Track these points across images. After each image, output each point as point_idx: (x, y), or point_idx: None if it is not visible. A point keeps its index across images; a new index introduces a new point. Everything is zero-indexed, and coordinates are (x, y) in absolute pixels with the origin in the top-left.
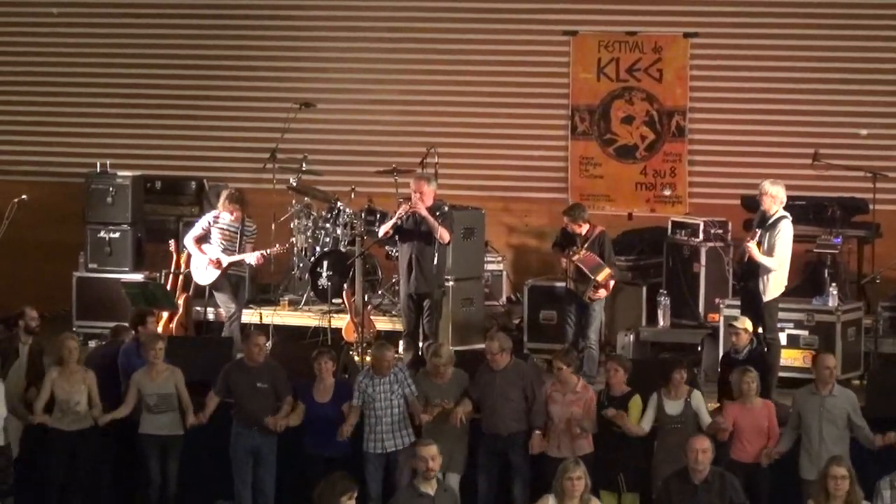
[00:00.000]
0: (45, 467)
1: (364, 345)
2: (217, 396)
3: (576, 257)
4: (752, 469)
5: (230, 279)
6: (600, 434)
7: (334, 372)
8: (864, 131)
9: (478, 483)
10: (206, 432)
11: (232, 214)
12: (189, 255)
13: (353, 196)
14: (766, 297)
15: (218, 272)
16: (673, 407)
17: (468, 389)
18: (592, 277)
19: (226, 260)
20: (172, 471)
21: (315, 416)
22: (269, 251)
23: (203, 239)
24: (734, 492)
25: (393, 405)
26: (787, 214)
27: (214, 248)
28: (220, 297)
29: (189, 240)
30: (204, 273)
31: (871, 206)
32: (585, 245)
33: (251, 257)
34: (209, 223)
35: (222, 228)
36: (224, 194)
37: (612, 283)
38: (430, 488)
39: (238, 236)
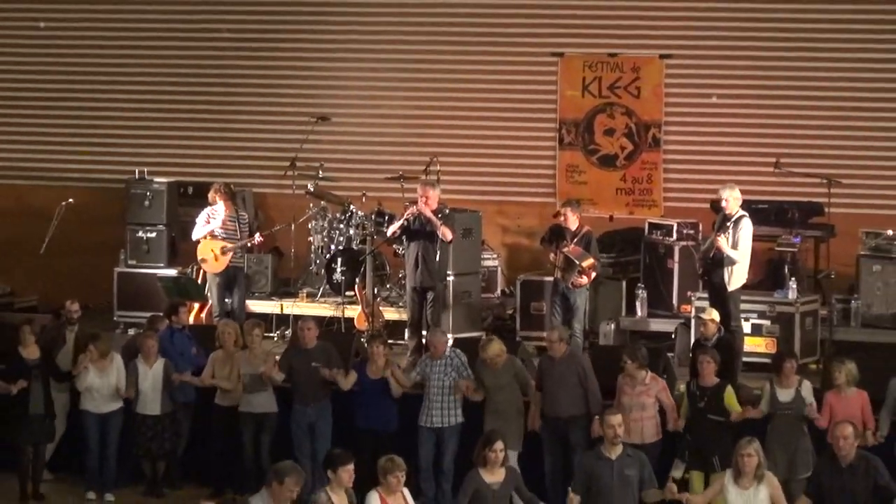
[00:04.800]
0: (207, 440)
1: (375, 332)
2: (282, 373)
3: (566, 249)
4: None
5: (228, 270)
6: (692, 421)
7: (356, 353)
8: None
9: (544, 460)
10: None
11: (224, 203)
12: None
13: (364, 200)
14: (731, 288)
15: (226, 260)
16: (785, 395)
17: (524, 374)
18: (578, 264)
19: (229, 247)
20: (265, 444)
21: (367, 390)
22: (265, 233)
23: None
24: (878, 473)
25: (444, 385)
26: (746, 213)
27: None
28: (213, 287)
29: (199, 232)
30: (213, 263)
31: (826, 210)
32: (574, 240)
33: (254, 238)
34: (208, 216)
35: (223, 220)
36: (213, 188)
37: (593, 273)
38: (612, 453)
39: (237, 225)
